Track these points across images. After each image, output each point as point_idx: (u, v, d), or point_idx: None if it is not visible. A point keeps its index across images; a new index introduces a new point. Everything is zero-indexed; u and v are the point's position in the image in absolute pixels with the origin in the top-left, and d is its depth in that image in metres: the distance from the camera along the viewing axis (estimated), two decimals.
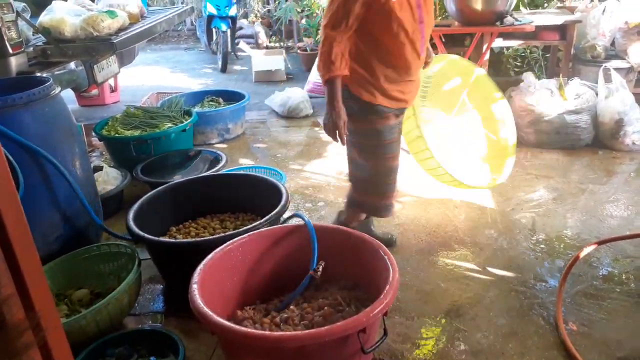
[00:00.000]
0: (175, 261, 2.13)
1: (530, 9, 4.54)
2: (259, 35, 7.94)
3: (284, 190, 2.33)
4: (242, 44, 7.09)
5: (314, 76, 5.37)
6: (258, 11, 8.62)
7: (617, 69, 3.71)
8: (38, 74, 2.90)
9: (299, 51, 6.73)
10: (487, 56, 3.79)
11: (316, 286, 1.90)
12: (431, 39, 3.95)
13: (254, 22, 8.28)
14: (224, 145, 4.04)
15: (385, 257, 1.71)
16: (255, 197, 2.50)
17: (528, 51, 4.76)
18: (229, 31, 6.59)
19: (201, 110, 4.08)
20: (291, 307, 1.79)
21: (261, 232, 1.97)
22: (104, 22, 3.33)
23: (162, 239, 2.29)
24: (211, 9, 6.49)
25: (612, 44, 4.12)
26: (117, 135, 3.42)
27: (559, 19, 3.86)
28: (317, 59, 2.02)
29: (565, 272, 2.20)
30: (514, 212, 2.84)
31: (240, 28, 7.98)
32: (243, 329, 1.51)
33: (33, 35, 3.37)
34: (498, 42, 3.79)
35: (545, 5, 4.79)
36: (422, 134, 2.71)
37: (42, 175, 2.11)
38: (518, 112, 3.67)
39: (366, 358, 1.63)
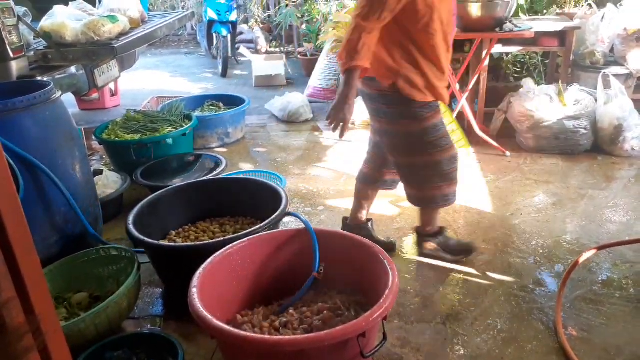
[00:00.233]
0: (175, 265, 2.13)
1: (529, 16, 4.56)
2: (259, 41, 7.95)
3: (283, 195, 2.34)
4: (243, 49, 7.11)
5: (314, 81, 5.38)
6: (258, 16, 8.64)
7: (616, 75, 3.72)
8: (39, 78, 2.91)
9: (299, 56, 6.75)
10: (486, 62, 3.80)
11: (316, 290, 1.90)
12: None
13: (254, 28, 8.31)
14: (224, 150, 4.05)
15: (385, 261, 1.71)
16: (255, 201, 2.51)
17: (527, 57, 4.78)
18: (229, 36, 6.61)
19: (201, 115, 4.08)
20: (290, 311, 1.79)
21: (261, 236, 1.97)
22: (105, 27, 3.34)
23: (161, 242, 2.30)
24: (212, 14, 6.51)
25: (611, 50, 4.14)
26: (117, 139, 3.42)
27: (558, 26, 3.87)
28: (340, 49, 1.96)
29: (564, 277, 2.20)
30: (513, 217, 2.84)
31: (241, 33, 8.01)
32: (242, 333, 1.51)
33: (34, 39, 3.38)
34: (497, 48, 3.81)
35: (545, 11, 4.81)
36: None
37: (40, 179, 2.11)
38: (517, 118, 3.68)
39: None
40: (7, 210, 0.76)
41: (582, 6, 4.72)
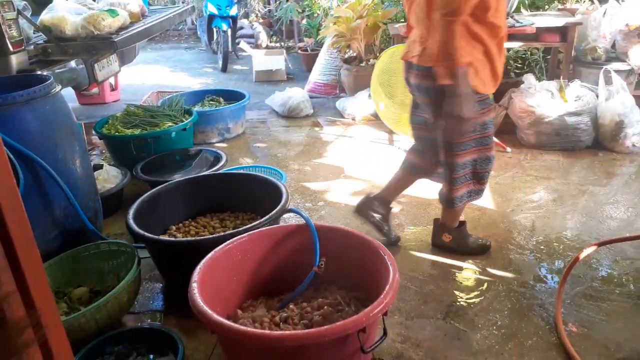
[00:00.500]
0: (175, 260, 2.13)
1: (531, 11, 4.54)
2: (260, 35, 7.94)
3: (284, 190, 2.33)
4: (243, 44, 7.10)
5: (315, 76, 5.38)
6: (259, 11, 8.62)
7: (618, 71, 3.71)
8: (39, 72, 2.90)
9: (299, 51, 6.73)
10: None
11: (316, 286, 1.90)
12: None
13: (254, 22, 8.28)
14: (224, 145, 4.04)
15: (385, 256, 1.71)
16: (255, 196, 2.50)
17: (529, 53, 4.76)
18: (229, 31, 6.59)
19: (201, 110, 4.07)
20: (291, 306, 1.79)
21: (261, 231, 1.97)
22: (105, 21, 3.33)
23: (161, 237, 2.30)
24: (212, 9, 6.49)
25: (613, 46, 4.12)
26: (117, 133, 3.42)
27: (559, 21, 3.86)
28: (430, 50, 1.96)
29: (564, 274, 2.20)
30: (513, 213, 2.84)
31: (241, 28, 7.98)
32: (242, 327, 1.51)
33: (34, 33, 3.36)
34: None
35: (546, 7, 4.79)
36: None
37: (40, 174, 2.10)
38: (518, 114, 3.67)
39: (366, 358, 1.63)
40: (7, 204, 0.76)
41: (584, 2, 4.70)
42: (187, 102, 4.09)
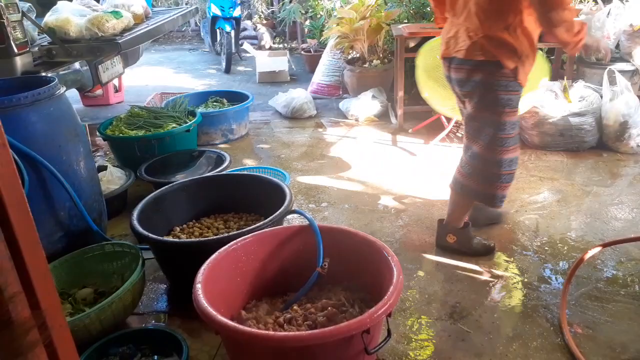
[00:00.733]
0: (179, 261, 2.13)
1: None
2: (263, 37, 7.95)
3: (287, 191, 2.33)
4: (246, 45, 7.10)
5: (318, 77, 5.38)
6: (262, 12, 8.63)
7: (622, 72, 3.69)
8: (43, 74, 2.92)
9: (302, 52, 6.74)
10: None
11: (320, 286, 1.90)
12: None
13: (258, 24, 8.30)
14: (228, 146, 4.04)
15: (389, 257, 1.71)
16: (259, 197, 2.50)
17: None
18: (233, 32, 6.60)
19: (205, 111, 4.08)
20: (295, 307, 1.79)
21: (265, 232, 1.97)
22: (109, 23, 3.35)
23: (166, 238, 2.30)
24: (215, 10, 6.51)
25: (617, 46, 4.11)
26: (121, 135, 3.43)
27: None
28: (550, 29, 2.00)
29: (569, 275, 2.19)
30: (517, 213, 2.83)
31: (244, 29, 8.00)
32: (247, 329, 1.51)
33: (38, 35, 3.39)
34: None
35: None
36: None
37: (45, 175, 2.11)
38: (522, 114, 3.66)
39: (370, 359, 1.63)
40: (12, 205, 0.76)
41: (588, 2, 4.69)
42: (190, 103, 4.10)
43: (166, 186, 2.52)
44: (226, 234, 2.08)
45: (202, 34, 8.70)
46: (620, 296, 2.14)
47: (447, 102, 3.24)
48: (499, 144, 2.16)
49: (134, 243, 2.24)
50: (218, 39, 6.95)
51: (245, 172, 2.98)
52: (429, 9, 4.94)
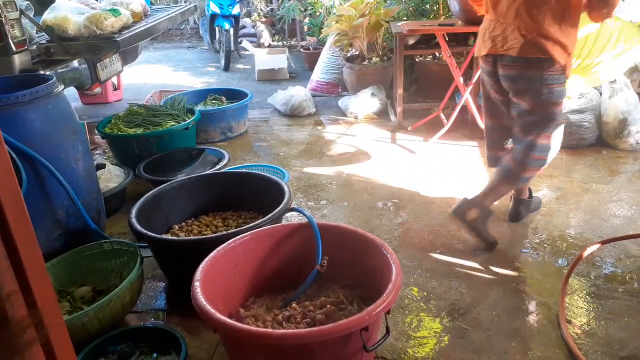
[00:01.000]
0: (178, 259, 2.13)
1: None
2: (262, 34, 7.94)
3: (286, 189, 2.33)
4: (245, 43, 7.10)
5: (317, 75, 5.37)
6: (261, 10, 8.62)
7: None
8: (41, 72, 2.91)
9: (301, 50, 6.73)
10: None
11: (318, 284, 1.90)
12: (434, 36, 3.95)
13: (257, 21, 8.28)
14: (227, 144, 4.04)
15: (388, 255, 1.71)
16: (257, 195, 2.50)
17: None
18: (232, 30, 6.59)
19: (204, 109, 4.08)
20: (293, 305, 1.79)
21: (264, 230, 1.97)
22: (107, 21, 3.34)
23: (164, 236, 2.30)
24: (214, 8, 6.49)
25: None
26: (120, 133, 3.42)
27: None
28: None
29: (568, 272, 2.19)
30: None
31: (243, 27, 7.98)
32: (245, 326, 1.51)
33: (36, 33, 3.37)
34: None
35: None
36: None
37: (43, 174, 2.11)
38: None
39: (368, 356, 1.63)
40: (9, 203, 0.76)
41: None
42: (189, 101, 4.10)
43: (165, 184, 2.51)
44: (225, 232, 2.08)
45: (201, 31, 8.69)
46: (619, 293, 2.14)
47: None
48: (552, 131, 2.34)
49: (132, 241, 2.24)
50: (217, 36, 6.94)
51: (244, 170, 2.98)
52: (427, 6, 4.94)
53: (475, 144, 3.78)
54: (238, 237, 1.90)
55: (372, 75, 4.88)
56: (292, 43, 7.92)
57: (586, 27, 2.63)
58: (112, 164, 3.16)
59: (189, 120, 3.53)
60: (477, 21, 3.56)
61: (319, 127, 4.38)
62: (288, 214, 2.59)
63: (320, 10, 6.43)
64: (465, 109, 3.88)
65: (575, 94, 3.60)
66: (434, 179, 3.27)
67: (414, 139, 3.97)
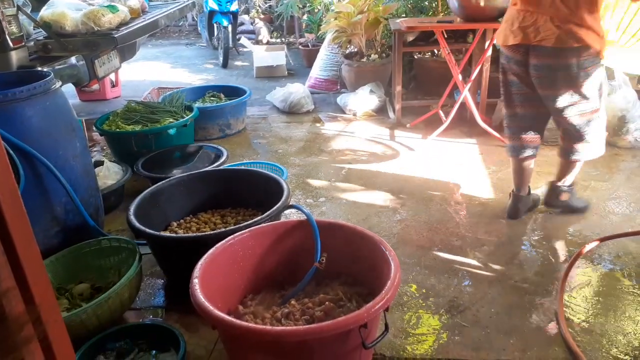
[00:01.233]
0: (176, 256, 2.13)
1: None
2: (261, 31, 7.92)
3: (285, 186, 2.33)
4: (244, 40, 7.08)
5: (316, 72, 5.36)
6: (259, 7, 8.59)
7: None
8: (39, 68, 2.90)
9: (300, 47, 6.72)
10: (489, 52, 3.78)
11: (317, 281, 1.90)
12: (433, 33, 3.94)
13: (255, 18, 8.26)
14: (225, 141, 4.03)
15: (387, 252, 1.71)
16: (256, 192, 2.50)
17: None
18: (230, 27, 6.57)
19: (202, 106, 4.07)
20: (292, 302, 1.79)
21: (262, 227, 1.97)
22: (105, 17, 3.33)
23: (163, 233, 2.29)
24: (212, 5, 6.47)
25: None
26: (118, 130, 3.41)
27: None
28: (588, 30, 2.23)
29: (567, 269, 2.19)
30: None
31: (242, 24, 7.96)
32: (244, 323, 1.51)
33: (34, 29, 3.36)
34: None
35: None
36: None
37: (40, 170, 2.10)
38: None
39: (367, 353, 1.63)
40: (6, 200, 0.75)
41: None
42: (187, 98, 4.09)
43: (163, 181, 2.51)
44: (223, 229, 2.08)
45: (199, 28, 8.66)
46: (618, 290, 2.14)
47: None
48: (594, 111, 2.41)
49: (130, 238, 2.23)
50: (215, 33, 6.92)
51: (243, 167, 2.97)
52: (426, 3, 4.93)
53: (474, 141, 3.78)
54: (237, 234, 1.90)
55: (370, 72, 4.88)
56: (291, 40, 7.90)
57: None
58: (110, 161, 3.15)
59: (187, 117, 3.52)
60: (475, 18, 3.57)
61: (318, 125, 4.38)
62: (287, 211, 2.58)
63: (319, 7, 6.42)
64: (464, 106, 3.88)
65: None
66: (432, 176, 3.26)
67: (413, 136, 3.96)
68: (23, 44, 2.91)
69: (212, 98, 4.40)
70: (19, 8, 2.91)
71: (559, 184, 2.69)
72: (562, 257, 2.38)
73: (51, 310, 0.84)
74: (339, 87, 5.23)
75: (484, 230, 2.61)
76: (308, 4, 6.76)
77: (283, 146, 3.91)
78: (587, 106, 2.39)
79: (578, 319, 1.98)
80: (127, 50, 4.25)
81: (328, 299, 1.77)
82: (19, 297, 0.76)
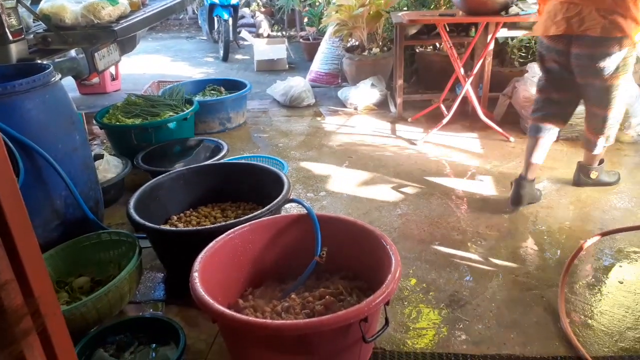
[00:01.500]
0: (177, 250, 2.12)
1: None
2: (261, 24, 7.88)
3: (285, 180, 2.32)
4: (244, 33, 7.05)
5: (316, 65, 5.34)
6: (260, 0, 8.55)
7: None
8: (38, 61, 2.88)
9: (301, 40, 6.69)
10: (491, 46, 3.76)
11: (318, 275, 1.90)
12: (435, 27, 3.92)
13: (256, 11, 8.23)
14: (225, 135, 4.02)
15: (387, 246, 1.70)
16: (256, 186, 2.49)
17: (533, 42, 4.71)
18: (230, 20, 6.54)
19: (202, 99, 4.06)
20: (292, 296, 1.79)
21: (262, 221, 1.96)
22: (105, 10, 3.31)
23: (163, 227, 2.29)
24: None
25: None
26: (118, 123, 3.40)
27: None
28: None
29: (568, 263, 2.19)
30: None
31: (242, 17, 7.93)
32: (244, 317, 1.51)
33: (33, 22, 3.35)
34: (503, 32, 3.75)
35: None
36: None
37: (40, 163, 2.09)
38: (522, 103, 3.64)
39: (367, 347, 1.63)
40: (4, 192, 0.75)
41: None
42: (188, 91, 4.08)
43: (163, 175, 2.50)
44: (224, 223, 2.07)
45: (199, 21, 8.63)
46: (619, 285, 2.14)
47: None
48: (620, 99, 2.54)
49: (130, 232, 2.23)
50: (216, 26, 6.89)
51: (243, 161, 2.97)
52: None
53: (476, 136, 3.76)
54: (237, 228, 1.89)
55: (372, 65, 4.86)
56: (292, 33, 7.87)
57: None
58: (110, 154, 3.14)
59: (187, 111, 3.51)
60: (478, 11, 3.55)
61: (319, 118, 4.36)
62: (287, 205, 2.58)
63: (320, 0, 6.39)
64: (465, 100, 3.87)
65: None
66: (433, 171, 3.26)
67: (414, 130, 3.95)
68: (22, 36, 2.90)
69: (212, 91, 4.38)
70: (18, 0, 2.89)
71: (585, 164, 2.88)
72: (563, 252, 2.38)
73: (50, 303, 0.83)
74: (340, 81, 5.21)
75: (485, 225, 2.61)
76: None
77: (284, 140, 3.90)
78: (613, 100, 2.51)
79: (579, 313, 1.98)
80: (127, 43, 4.23)
81: (328, 292, 1.77)
82: (18, 290, 0.76)
